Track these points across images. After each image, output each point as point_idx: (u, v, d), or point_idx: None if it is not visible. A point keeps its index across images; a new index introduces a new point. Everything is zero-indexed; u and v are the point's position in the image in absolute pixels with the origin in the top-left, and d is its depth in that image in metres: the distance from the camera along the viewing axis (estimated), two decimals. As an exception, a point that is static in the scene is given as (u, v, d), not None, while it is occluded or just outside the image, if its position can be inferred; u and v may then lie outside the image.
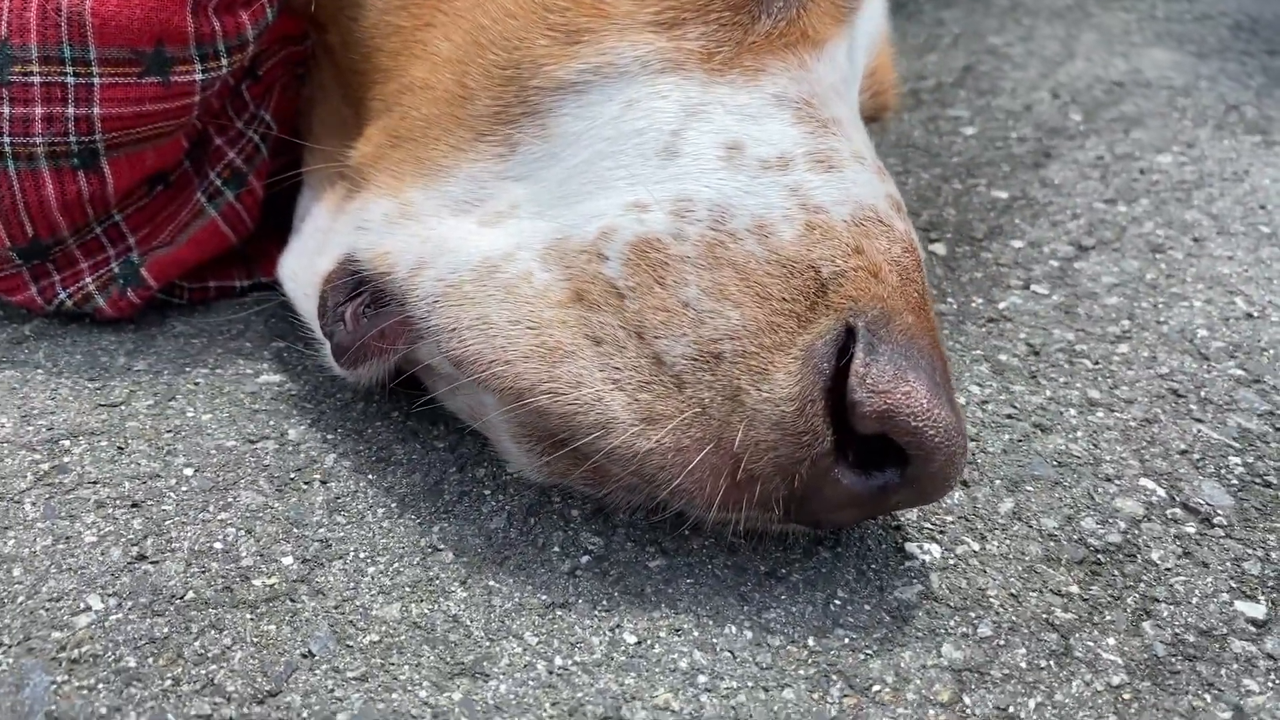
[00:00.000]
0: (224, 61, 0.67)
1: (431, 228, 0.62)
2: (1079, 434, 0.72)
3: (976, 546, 0.63)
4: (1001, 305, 0.86)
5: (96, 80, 0.65)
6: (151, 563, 0.56)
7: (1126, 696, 0.54)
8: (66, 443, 0.63)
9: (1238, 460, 0.71)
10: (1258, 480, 0.70)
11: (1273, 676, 0.56)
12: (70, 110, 0.65)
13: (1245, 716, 0.53)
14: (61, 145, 0.66)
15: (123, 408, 0.66)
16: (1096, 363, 0.80)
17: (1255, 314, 0.88)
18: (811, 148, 0.61)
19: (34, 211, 0.68)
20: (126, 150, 0.68)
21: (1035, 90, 1.31)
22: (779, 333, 0.55)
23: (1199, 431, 0.74)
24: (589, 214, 0.59)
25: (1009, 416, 0.73)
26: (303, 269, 0.69)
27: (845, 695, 0.53)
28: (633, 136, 0.61)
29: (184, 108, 0.67)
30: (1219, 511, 0.67)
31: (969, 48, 1.44)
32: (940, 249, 0.94)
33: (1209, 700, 0.54)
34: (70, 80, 0.64)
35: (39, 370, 0.69)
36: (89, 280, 0.72)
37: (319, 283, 0.66)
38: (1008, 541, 0.63)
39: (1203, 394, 0.78)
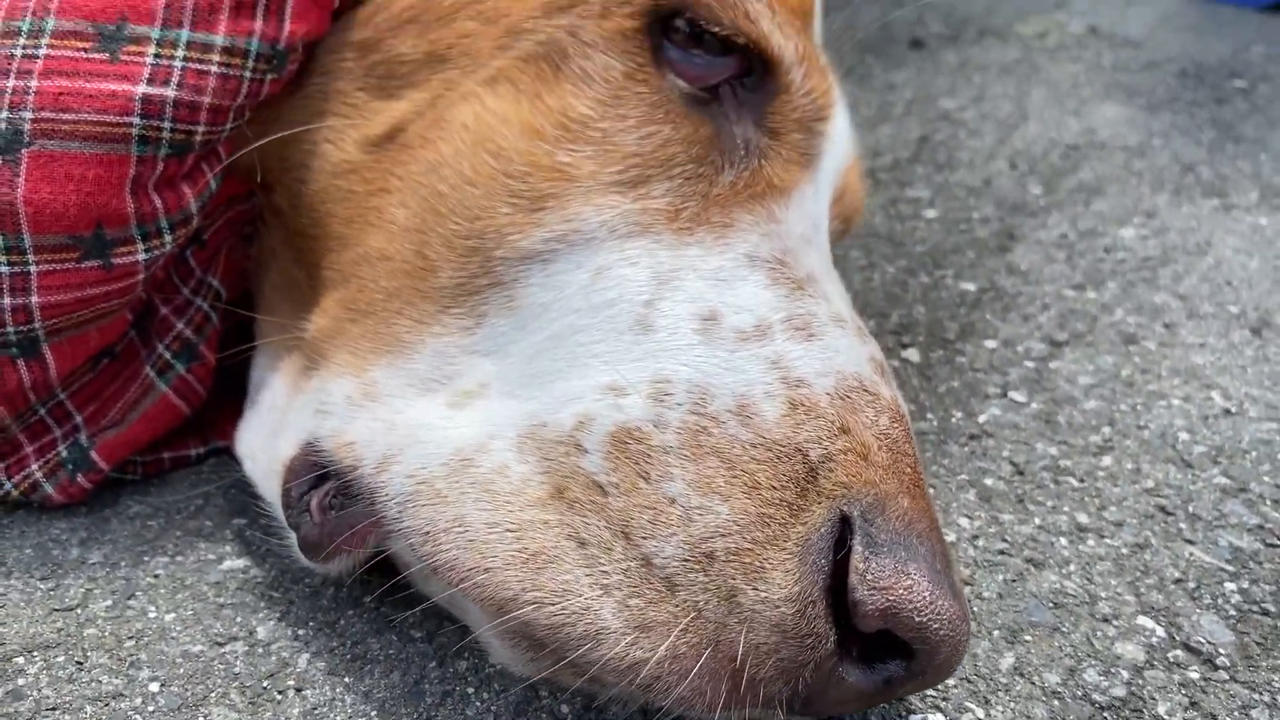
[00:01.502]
0: (167, 239, 0.64)
1: (397, 411, 0.60)
2: (1072, 568, 0.71)
3: (981, 713, 0.60)
4: (981, 419, 0.85)
5: (33, 268, 0.61)
6: (117, 805, 0.52)
7: None
8: (21, 660, 0.59)
9: (1233, 586, 0.70)
10: (1255, 608, 0.68)
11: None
12: (5, 301, 0.61)
13: None
14: None
15: (79, 611, 0.63)
16: (1082, 480, 0.78)
17: (1233, 409, 0.87)
18: (789, 312, 0.59)
19: (-27, 404, 0.64)
20: (68, 334, 0.65)
21: (993, 160, 1.30)
22: (771, 525, 0.52)
23: (1191, 555, 0.72)
24: (564, 396, 0.57)
25: (1001, 552, 0.72)
26: (262, 450, 0.66)
27: None
28: (604, 308, 0.59)
29: (128, 287, 0.64)
30: (1220, 651, 0.65)
31: (923, 115, 1.44)
32: (914, 355, 0.92)
33: None
34: (4, 270, 0.61)
35: (-14, 570, 0.65)
36: (35, 467, 0.68)
37: (281, 470, 0.63)
38: (1012, 704, 0.61)
39: (1191, 509, 0.76)
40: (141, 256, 0.63)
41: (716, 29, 0.63)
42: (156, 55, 0.60)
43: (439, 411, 0.59)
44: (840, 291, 0.64)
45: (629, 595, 0.52)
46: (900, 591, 0.51)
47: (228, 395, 0.75)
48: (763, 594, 0.51)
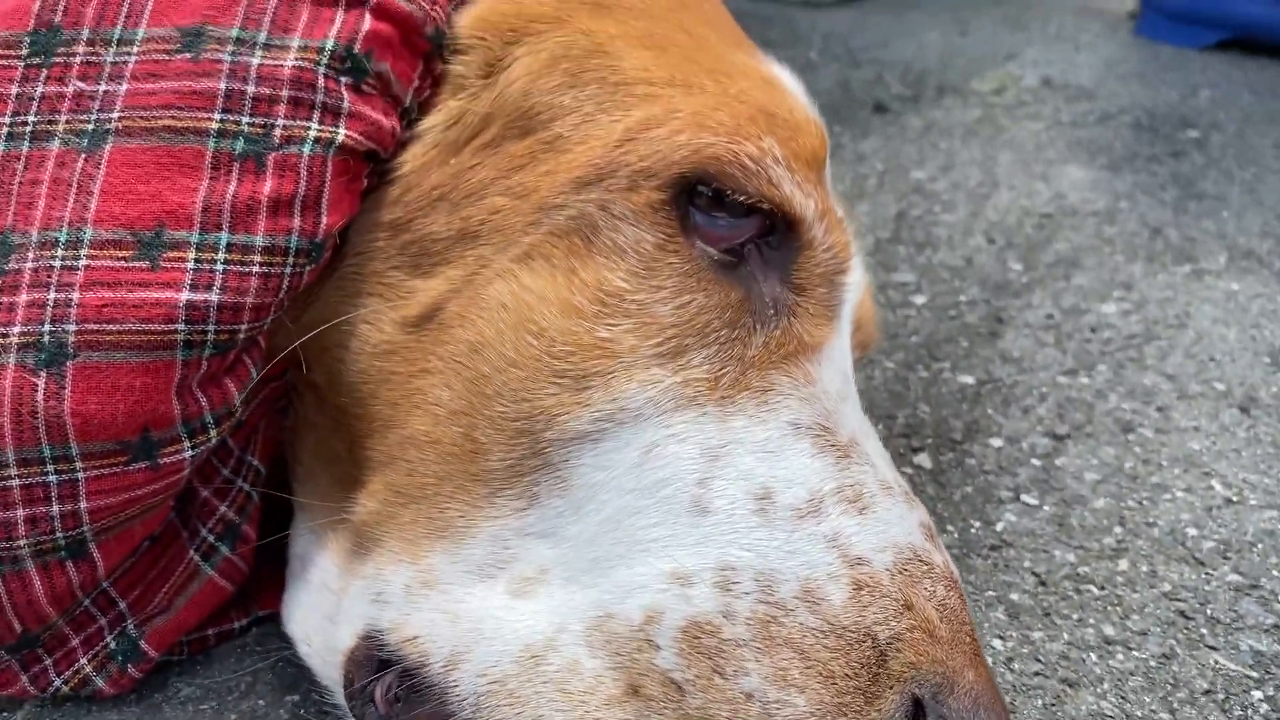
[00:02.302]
0: (212, 433, 0.64)
1: (458, 600, 0.60)
2: (1106, 686, 0.73)
3: None
4: (999, 527, 0.87)
5: (80, 475, 0.61)
6: None
7: None
8: None
9: (1259, 694, 0.73)
10: (1283, 717, 0.71)
11: None
12: (55, 509, 0.61)
13: None
14: (48, 543, 0.62)
15: (141, 812, 0.63)
16: (1102, 588, 0.81)
17: (1234, 498, 0.90)
18: (839, 483, 0.61)
19: (21, 610, 0.64)
20: (115, 532, 0.65)
21: (970, 235, 1.34)
22: (848, 714, 0.54)
23: (1217, 664, 0.75)
24: (628, 585, 0.58)
25: (1037, 674, 0.74)
26: (317, 633, 0.66)
27: None
28: (658, 489, 0.60)
29: (174, 483, 0.64)
30: (1258, 767, 0.68)
31: (896, 187, 1.47)
32: (925, 460, 0.94)
33: None
34: (53, 479, 0.61)
35: (40, 771, 0.65)
36: (84, 661, 0.68)
37: (341, 659, 0.63)
38: (1070, 844, 0.63)
39: (1209, 611, 0.79)
40: (188, 454, 0.63)
41: (742, 197, 0.65)
42: (197, 260, 0.61)
43: (501, 600, 0.60)
44: (879, 449, 0.66)
45: (713, 795, 0.54)
46: (975, 770, 0.52)
47: (264, 559, 0.75)
48: (844, 785, 0.53)
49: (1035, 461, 0.94)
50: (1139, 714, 0.71)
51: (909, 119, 1.70)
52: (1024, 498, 0.90)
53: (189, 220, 0.61)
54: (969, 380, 1.06)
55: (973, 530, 0.87)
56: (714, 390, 0.63)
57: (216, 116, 0.61)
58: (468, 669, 0.58)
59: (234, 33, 0.62)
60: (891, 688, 0.54)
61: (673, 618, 0.56)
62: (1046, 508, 0.89)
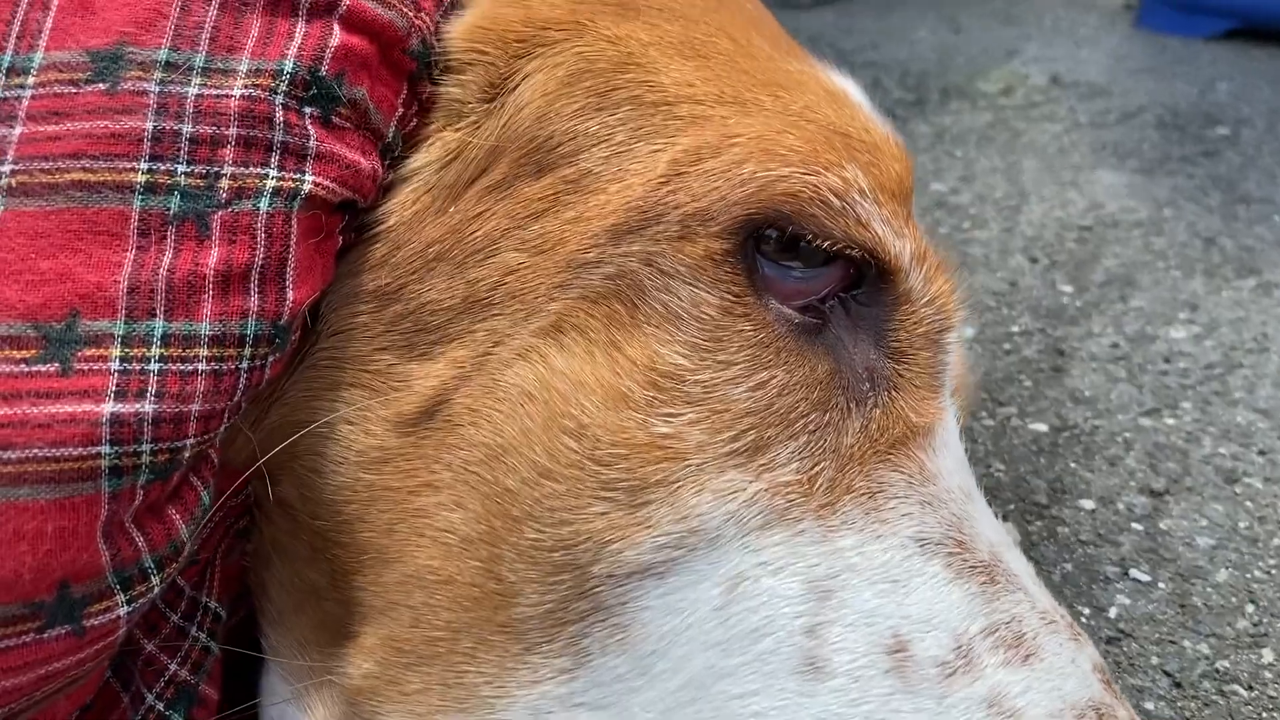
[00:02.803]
0: (154, 581, 0.49)
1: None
2: (1284, 824, 0.59)
3: None
4: (1112, 613, 0.73)
5: (-23, 649, 0.45)
6: None
7: None
8: None
9: None
10: None
11: None
12: (-58, 695, 0.46)
13: None
14: (-65, 736, 0.47)
15: None
16: (1250, 688, 0.67)
17: (1373, 561, 0.77)
18: (989, 620, 0.46)
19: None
20: (31, 712, 0.49)
21: (1008, 254, 1.20)
22: None
23: None
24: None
25: (1196, 813, 0.60)
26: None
27: None
28: (752, 641, 0.45)
29: (106, 648, 0.49)
30: None
31: (918, 203, 1.33)
32: (1012, 531, 0.80)
33: None
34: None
35: None
36: None
37: None
38: None
39: (1381, 713, 0.66)
40: (123, 611, 0.48)
41: (826, 241, 0.51)
42: (124, 359, 0.45)
43: (546, 800, 0.45)
44: (1022, 561, 0.52)
45: None
46: None
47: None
48: None
49: (1136, 526, 0.81)
50: None
51: (917, 126, 1.57)
52: (1133, 573, 0.76)
53: (111, 306, 0.45)
54: (1042, 428, 0.92)
55: (1083, 619, 0.73)
56: (809, 497, 0.48)
57: (143, 166, 0.46)
58: None
59: (162, 55, 0.47)
60: None
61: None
62: (1161, 585, 0.75)
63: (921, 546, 0.48)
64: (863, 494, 0.49)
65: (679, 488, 0.47)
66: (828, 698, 0.43)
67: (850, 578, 0.46)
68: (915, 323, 0.54)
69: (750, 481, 0.48)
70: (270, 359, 0.48)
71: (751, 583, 0.46)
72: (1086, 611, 0.73)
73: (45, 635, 0.47)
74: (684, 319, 0.50)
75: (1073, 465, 0.87)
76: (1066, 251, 1.20)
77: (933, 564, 0.47)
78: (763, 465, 0.48)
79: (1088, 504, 0.83)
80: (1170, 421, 0.92)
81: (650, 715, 0.45)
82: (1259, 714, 0.65)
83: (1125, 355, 1.01)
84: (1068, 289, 1.13)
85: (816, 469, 0.49)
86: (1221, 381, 0.97)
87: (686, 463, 0.48)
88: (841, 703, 0.43)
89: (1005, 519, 0.81)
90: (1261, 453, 0.88)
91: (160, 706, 0.55)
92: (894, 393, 0.52)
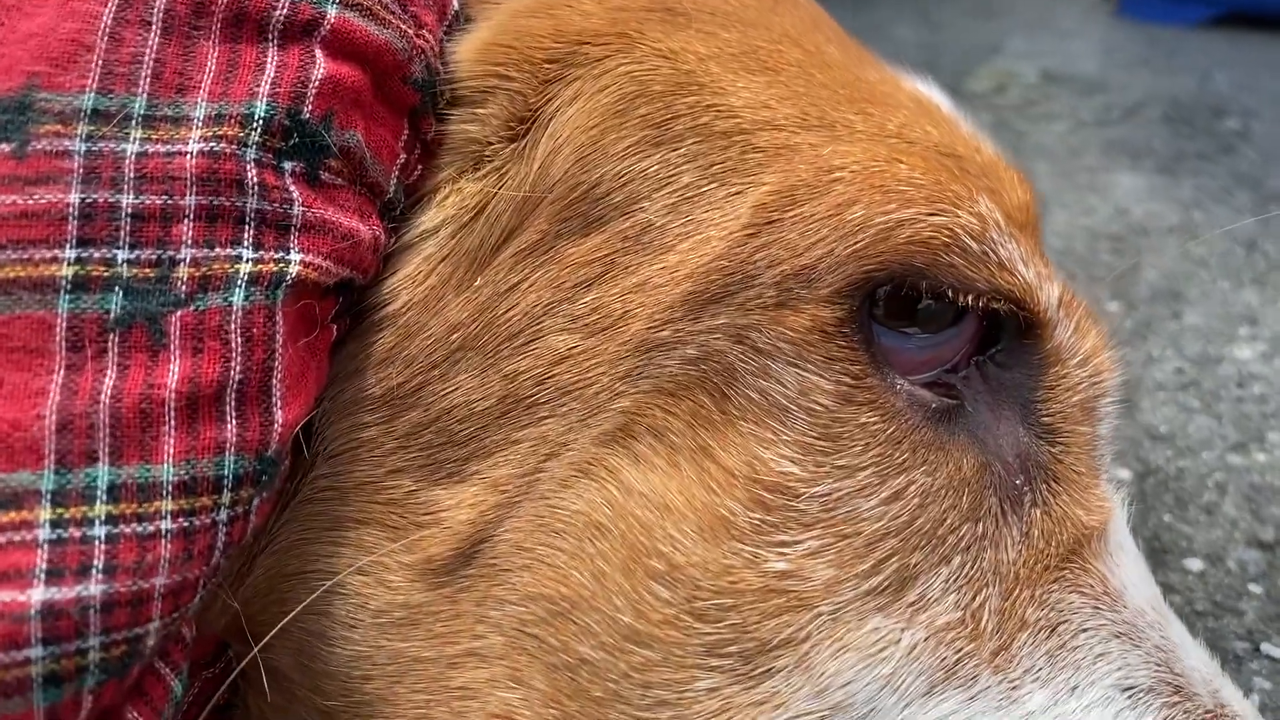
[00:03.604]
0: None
1: None
2: None
3: None
4: (1255, 698, 0.63)
5: None
6: None
7: None
8: None
9: None
10: None
11: None
12: None
13: None
14: None
15: None
16: None
17: None
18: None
19: None
20: None
21: (1040, 269, 1.11)
22: None
23: None
24: None
25: None
26: None
27: None
28: None
29: None
30: None
31: (930, 216, 1.24)
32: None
33: None
34: None
35: None
36: None
37: None
38: None
39: None
40: None
41: (969, 295, 0.40)
42: (56, 523, 0.33)
43: None
44: (1236, 693, 0.41)
45: None
46: None
47: None
48: None
49: (1254, 589, 0.70)
50: None
51: (912, 131, 1.47)
52: (1265, 648, 0.66)
53: (34, 451, 0.32)
54: (1124, 474, 0.81)
55: (1223, 713, 0.62)
56: (978, 640, 0.37)
57: (69, 255, 0.33)
58: None
59: (87, 101, 0.35)
60: None
61: None
62: (1310, 670, 0.65)
63: (1131, 697, 0.37)
64: (1041, 628, 0.38)
65: (811, 648, 0.35)
66: None
67: (1053, 756, 0.35)
68: (1070, 389, 0.43)
69: (903, 629, 0.36)
70: (255, 502, 0.36)
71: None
72: (1226, 703, 0.63)
73: None
74: (792, 411, 0.38)
75: (1167, 519, 0.76)
76: (1102, 265, 1.11)
77: (1149, 717, 0.36)
78: (914, 605, 0.37)
79: (1195, 565, 0.72)
80: (1260, 458, 0.82)
81: None
82: None
83: (1194, 381, 0.91)
84: (1113, 306, 1.03)
85: (979, 603, 0.38)
86: (1303, 404, 0.87)
87: (817, 611, 0.36)
88: None
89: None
90: (1370, 488, 0.78)
91: None
92: (1055, 484, 0.42)
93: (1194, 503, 0.78)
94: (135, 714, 0.36)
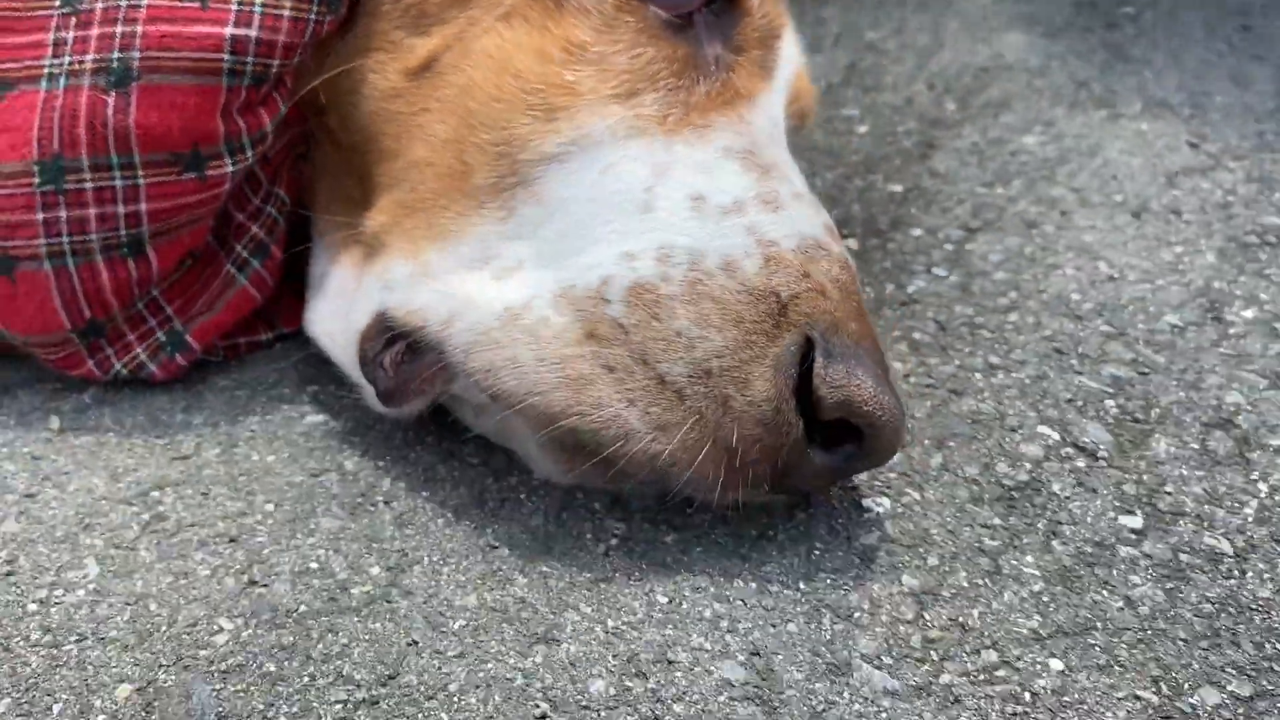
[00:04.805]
0: (249, 154, 0.78)
1: (452, 285, 0.75)
2: (985, 395, 0.89)
3: (917, 496, 0.78)
4: (910, 289, 1.02)
5: (142, 181, 0.75)
6: (262, 586, 0.68)
7: (1045, 599, 0.70)
8: (156, 494, 0.74)
9: (1112, 403, 0.88)
10: (1129, 418, 0.87)
11: (1151, 571, 0.73)
12: (120, 209, 0.75)
13: (1134, 604, 0.70)
14: (113, 238, 0.76)
15: (195, 459, 0.78)
16: (993, 332, 0.96)
17: (1115, 275, 1.05)
18: (759, 191, 0.75)
19: (91, 297, 0.78)
20: (167, 237, 0.79)
21: (913, 83, 1.48)
22: (754, 348, 0.69)
23: (1080, 382, 0.90)
24: (587, 264, 0.72)
25: (928, 386, 0.89)
26: (338, 328, 0.81)
27: (835, 622, 0.68)
28: (613, 196, 0.74)
29: (216, 196, 0.78)
30: (1101, 447, 0.83)
31: (849, 45, 1.61)
32: (853, 244, 1.09)
33: (1106, 595, 0.71)
34: (119, 183, 0.75)
35: (110, 433, 0.80)
36: (140, 350, 0.82)
37: (357, 339, 0.78)
38: (941, 489, 0.79)
39: (1080, 350, 0.95)
40: (229, 169, 0.78)
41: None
42: (240, 2, 0.74)
43: (486, 283, 0.74)
44: (798, 175, 0.81)
45: (648, 405, 0.68)
46: (852, 387, 0.67)
47: (285, 290, 0.89)
48: (748, 397, 0.68)
49: (948, 246, 1.09)
50: (1010, 413, 0.87)
51: (866, -7, 1.83)
52: (934, 270, 1.05)
53: None
54: (897, 188, 1.20)
55: (886, 291, 1.02)
56: (662, 125, 0.77)
57: None
58: (459, 326, 0.72)
59: None
60: (789, 330, 0.69)
61: (621, 281, 0.71)
62: (953, 278, 1.04)
63: (727, 153, 0.77)
64: (698, 126, 0.78)
65: (577, 112, 0.76)
66: (652, 221, 0.72)
67: (678, 165, 0.75)
68: (753, 29, 0.83)
69: (624, 111, 0.76)
70: (328, 18, 0.77)
71: (617, 166, 0.75)
72: (891, 287, 1.02)
73: (183, 177, 0.76)
74: (591, 12, 0.78)
75: (913, 211, 1.15)
76: (961, 84, 1.48)
77: (732, 162, 0.76)
78: (633, 104, 0.77)
79: (916, 232, 1.12)
80: (1000, 190, 1.20)
81: (550, 238, 0.74)
82: (993, 345, 0.95)
83: (982, 151, 1.29)
84: (951, 107, 1.41)
85: (670, 111, 0.78)
86: (1051, 170, 1.25)
87: (583, 98, 0.76)
88: (659, 223, 0.72)
89: (849, 236, 1.10)
90: (1062, 213, 1.16)
91: (245, 254, 0.85)
92: (731, 73, 0.81)
93: (937, 206, 1.16)
94: (263, 112, 0.78)
